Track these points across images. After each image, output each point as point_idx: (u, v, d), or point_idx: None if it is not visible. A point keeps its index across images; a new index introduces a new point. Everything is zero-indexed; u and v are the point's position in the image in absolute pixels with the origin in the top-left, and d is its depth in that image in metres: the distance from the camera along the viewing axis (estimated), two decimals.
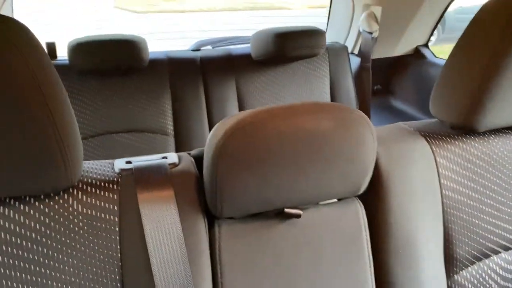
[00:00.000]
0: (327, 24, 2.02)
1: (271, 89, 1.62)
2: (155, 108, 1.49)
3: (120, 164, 0.71)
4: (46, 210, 0.63)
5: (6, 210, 0.61)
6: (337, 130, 0.66)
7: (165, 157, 0.75)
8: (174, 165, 0.72)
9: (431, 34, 1.77)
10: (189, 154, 0.82)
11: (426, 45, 1.82)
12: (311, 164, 0.65)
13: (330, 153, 0.65)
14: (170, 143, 1.51)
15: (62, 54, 1.51)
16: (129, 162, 0.72)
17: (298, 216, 0.71)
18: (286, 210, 0.70)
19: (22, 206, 0.62)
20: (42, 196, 0.63)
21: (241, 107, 1.59)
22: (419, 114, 1.79)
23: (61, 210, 0.63)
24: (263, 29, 1.59)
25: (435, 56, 1.77)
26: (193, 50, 1.98)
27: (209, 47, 2.07)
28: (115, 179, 0.68)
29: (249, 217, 0.71)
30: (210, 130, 1.54)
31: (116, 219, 0.64)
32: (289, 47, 1.51)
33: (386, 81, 1.94)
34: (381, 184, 0.77)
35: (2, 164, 0.54)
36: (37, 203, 0.62)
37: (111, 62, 1.38)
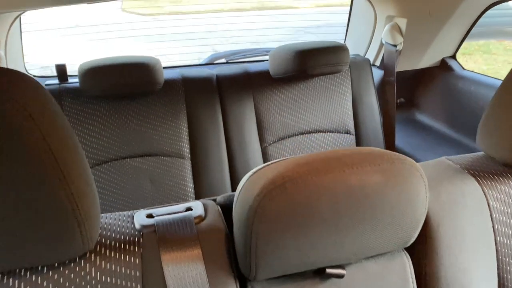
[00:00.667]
0: (346, 35, 1.94)
1: (291, 107, 1.55)
2: (170, 130, 1.42)
3: (140, 218, 0.64)
4: (61, 280, 0.56)
5: (17, 282, 0.55)
6: (387, 184, 0.58)
7: (190, 208, 0.68)
8: (200, 218, 0.66)
9: (460, 46, 1.68)
10: (214, 201, 0.75)
11: (453, 57, 1.72)
12: (357, 222, 0.58)
13: (378, 209, 0.58)
14: (187, 167, 1.44)
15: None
16: (151, 216, 0.65)
17: (341, 276, 0.64)
18: (328, 270, 0.63)
19: (34, 277, 0.55)
20: (56, 264, 0.56)
21: (259, 126, 1.51)
22: (447, 129, 1.70)
23: (78, 280, 0.56)
24: (281, 45, 1.51)
25: (463, 68, 1.68)
26: (207, 64, 1.91)
27: (223, 60, 2.00)
28: (136, 239, 0.61)
29: (285, 277, 0.64)
30: (228, 151, 1.47)
31: (139, 286, 0.58)
32: (311, 65, 1.43)
33: (410, 94, 1.85)
34: (430, 235, 0.69)
35: (14, 236, 0.48)
36: (50, 273, 0.56)
37: (124, 87, 1.31)
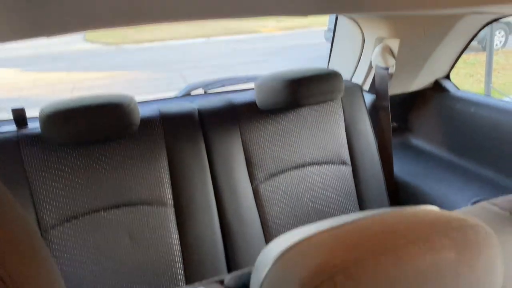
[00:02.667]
0: (329, 58, 1.84)
1: (282, 139, 1.41)
2: (149, 175, 1.25)
3: None
4: None
5: None
6: (461, 260, 0.44)
7: None
8: None
9: (453, 66, 1.60)
10: (221, 283, 0.59)
11: (447, 77, 1.64)
12: None
13: None
14: (170, 215, 1.26)
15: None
16: None
17: None
18: None
19: None
20: None
21: (248, 163, 1.36)
22: (446, 154, 1.61)
23: None
24: (268, 75, 1.38)
25: (458, 89, 1.60)
26: (185, 96, 1.76)
27: (200, 89, 1.85)
28: None
29: None
30: (215, 194, 1.31)
31: None
32: (303, 96, 1.31)
33: (402, 118, 1.76)
34: None
35: None
36: None
37: (94, 132, 1.14)
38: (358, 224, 0.46)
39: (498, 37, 6.44)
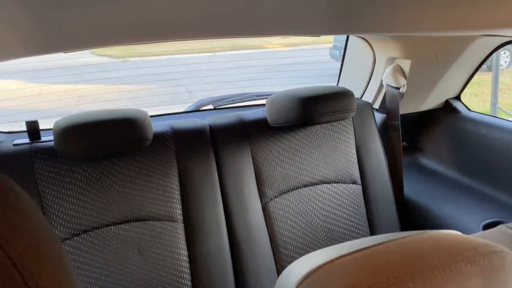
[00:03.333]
0: (339, 76, 1.85)
1: (292, 157, 1.40)
2: (159, 190, 1.25)
3: None
4: None
5: None
6: (488, 287, 0.43)
7: None
8: None
9: (464, 87, 1.60)
10: None
11: (458, 98, 1.64)
12: None
13: None
14: (179, 231, 1.25)
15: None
16: None
17: None
18: None
19: None
20: None
21: (258, 180, 1.36)
22: (455, 174, 1.60)
23: None
24: (280, 92, 1.39)
25: (469, 110, 1.60)
26: (194, 111, 1.76)
27: (210, 106, 1.86)
28: None
29: None
30: (225, 210, 1.30)
31: None
32: (316, 113, 1.31)
33: (412, 138, 1.75)
34: None
35: None
36: None
37: (108, 147, 1.14)
38: (383, 247, 0.45)
39: (503, 57, 6.47)
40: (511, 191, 1.38)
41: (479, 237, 0.67)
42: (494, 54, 4.49)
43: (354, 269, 0.42)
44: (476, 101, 5.74)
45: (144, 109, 1.31)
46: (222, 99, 1.84)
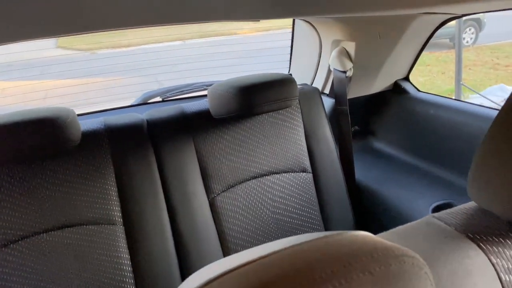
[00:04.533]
0: (290, 62, 1.80)
1: (238, 149, 1.36)
2: (95, 192, 1.18)
3: None
4: None
5: None
6: None
7: None
8: None
9: (412, 67, 1.57)
10: None
11: (406, 79, 1.61)
12: None
13: None
14: (119, 235, 1.20)
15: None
16: None
17: None
18: None
19: None
20: None
21: (204, 175, 1.31)
22: (406, 157, 1.58)
23: None
24: (220, 82, 1.33)
25: (418, 90, 1.57)
26: (139, 105, 1.69)
27: (158, 98, 1.79)
28: None
29: None
30: (168, 209, 1.25)
31: None
32: (257, 103, 1.26)
33: (364, 121, 1.72)
34: None
35: None
36: None
37: (30, 149, 1.06)
38: (271, 259, 0.41)
39: (469, 34, 6.53)
40: (460, 172, 1.37)
41: (408, 229, 0.64)
42: (456, 31, 4.49)
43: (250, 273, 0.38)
44: (443, 78, 5.80)
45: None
46: (169, 90, 1.77)
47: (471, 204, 0.65)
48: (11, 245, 1.10)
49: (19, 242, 1.11)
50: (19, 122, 1.04)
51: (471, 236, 0.58)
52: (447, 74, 5.95)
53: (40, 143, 1.06)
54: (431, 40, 1.45)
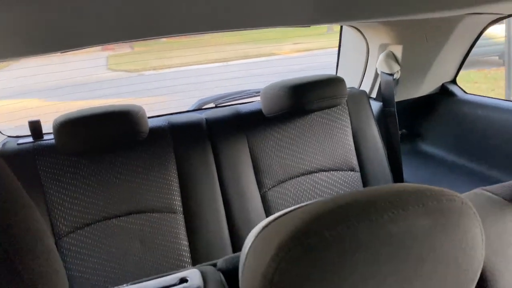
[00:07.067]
0: (337, 67, 1.87)
1: (289, 146, 1.43)
2: (159, 183, 1.29)
3: None
4: None
5: None
6: (436, 228, 0.45)
7: (185, 279, 0.53)
8: None
9: (459, 70, 1.60)
10: (214, 266, 0.61)
11: (454, 81, 1.64)
12: (404, 280, 0.44)
13: (428, 261, 0.45)
14: (180, 222, 1.29)
15: None
16: None
17: None
18: None
19: None
20: None
21: (256, 170, 1.39)
22: (456, 158, 1.59)
23: None
24: (273, 83, 1.42)
25: (465, 93, 1.59)
26: (196, 110, 1.81)
27: (212, 104, 1.90)
28: None
29: None
30: (224, 201, 1.33)
31: None
32: (307, 100, 1.33)
33: (411, 124, 1.75)
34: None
35: None
36: None
37: (105, 140, 1.19)
38: (333, 198, 0.48)
39: None
40: (509, 170, 1.37)
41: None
42: (506, 46, 4.38)
43: (304, 216, 0.45)
44: (492, 95, 5.64)
45: None
46: (223, 97, 1.88)
47: None
48: (85, 228, 1.22)
49: (92, 225, 1.22)
50: (98, 114, 1.17)
51: None
52: (497, 91, 5.78)
53: (117, 133, 1.18)
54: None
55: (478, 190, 0.70)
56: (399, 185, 0.50)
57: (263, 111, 1.41)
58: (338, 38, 1.76)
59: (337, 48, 1.81)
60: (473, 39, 1.45)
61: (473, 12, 1.20)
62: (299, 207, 0.49)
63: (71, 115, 1.18)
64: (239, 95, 1.90)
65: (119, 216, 1.25)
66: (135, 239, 1.25)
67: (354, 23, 1.53)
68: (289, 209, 0.51)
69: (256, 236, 0.47)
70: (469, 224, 0.47)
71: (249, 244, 0.48)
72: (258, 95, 1.91)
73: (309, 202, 0.52)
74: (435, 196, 0.46)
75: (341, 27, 1.69)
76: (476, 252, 0.48)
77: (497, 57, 6.17)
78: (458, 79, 1.65)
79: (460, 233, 0.46)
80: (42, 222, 0.42)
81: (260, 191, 1.38)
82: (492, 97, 1.51)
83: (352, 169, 1.48)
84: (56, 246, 1.18)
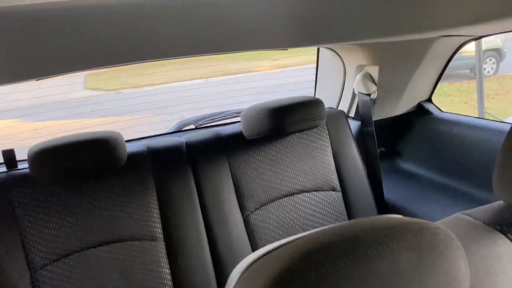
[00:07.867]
0: (315, 88, 1.89)
1: (270, 168, 1.43)
2: (138, 210, 1.26)
3: None
4: None
5: None
6: (422, 263, 0.45)
7: None
8: None
9: (434, 88, 1.64)
10: None
11: (429, 100, 1.68)
12: None
13: None
14: (161, 250, 1.26)
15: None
16: None
17: None
18: None
19: None
20: None
21: (238, 194, 1.38)
22: (434, 176, 1.62)
23: None
24: (253, 105, 1.42)
25: (441, 111, 1.63)
26: (175, 132, 1.79)
27: (192, 126, 1.89)
28: None
29: None
30: (206, 226, 1.31)
31: None
32: (287, 123, 1.34)
33: (389, 142, 1.78)
34: None
35: None
36: None
37: (81, 168, 1.16)
38: (317, 236, 0.48)
39: (489, 64, 6.57)
40: (486, 186, 1.40)
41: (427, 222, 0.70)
42: (477, 61, 4.55)
43: (289, 255, 0.44)
44: (465, 107, 5.80)
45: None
46: (202, 118, 1.87)
47: (497, 202, 0.71)
48: (62, 259, 1.18)
49: (69, 256, 1.19)
50: (75, 142, 1.15)
51: (499, 228, 0.63)
52: (470, 103, 5.95)
53: (94, 161, 1.15)
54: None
55: (459, 215, 0.71)
56: (382, 217, 0.50)
57: (244, 133, 1.41)
58: (315, 54, 1.79)
59: (313, 64, 1.83)
60: (447, 59, 1.49)
61: (445, 34, 1.24)
62: (282, 245, 0.49)
63: (47, 144, 1.15)
64: (219, 116, 1.90)
65: (98, 246, 1.22)
66: (114, 269, 1.22)
67: (331, 46, 1.56)
68: (272, 246, 0.50)
69: (239, 278, 0.46)
70: (453, 257, 0.47)
71: (233, 284, 0.47)
72: (239, 116, 1.92)
73: (292, 237, 0.51)
74: (418, 230, 0.47)
75: (318, 48, 1.72)
76: (461, 284, 0.48)
77: (468, 71, 6.38)
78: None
79: (445, 266, 0.46)
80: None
81: (242, 215, 1.37)
82: (466, 115, 1.55)
83: (334, 189, 1.49)
84: (31, 280, 1.14)
